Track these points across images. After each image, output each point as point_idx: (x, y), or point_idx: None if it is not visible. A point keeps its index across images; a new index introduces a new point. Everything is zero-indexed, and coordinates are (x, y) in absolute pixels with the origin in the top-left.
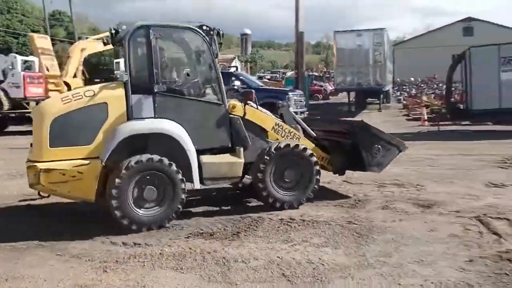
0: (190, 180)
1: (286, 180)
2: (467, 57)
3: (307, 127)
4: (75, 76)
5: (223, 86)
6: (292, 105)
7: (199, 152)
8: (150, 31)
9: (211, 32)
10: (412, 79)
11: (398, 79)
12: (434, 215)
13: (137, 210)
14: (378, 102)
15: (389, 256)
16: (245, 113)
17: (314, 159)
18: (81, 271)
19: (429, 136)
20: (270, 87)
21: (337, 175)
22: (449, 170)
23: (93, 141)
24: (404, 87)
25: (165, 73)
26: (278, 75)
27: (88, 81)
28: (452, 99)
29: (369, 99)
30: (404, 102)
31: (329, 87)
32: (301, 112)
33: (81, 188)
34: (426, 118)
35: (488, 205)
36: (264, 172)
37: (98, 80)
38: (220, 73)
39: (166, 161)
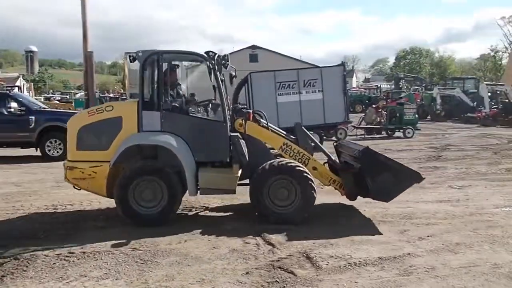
0: (187, 188)
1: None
2: (249, 81)
3: (324, 149)
4: None
5: (225, 105)
6: None
7: (200, 164)
8: (161, 57)
9: (216, 58)
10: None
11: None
12: (218, 232)
13: (139, 207)
14: None
15: (172, 279)
16: (245, 131)
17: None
18: None
19: None
20: (56, 109)
21: None
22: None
23: (109, 147)
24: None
25: (173, 93)
26: (69, 96)
27: None
28: None
29: None
30: None
31: None
32: None
33: (95, 185)
34: None
35: None
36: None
37: None
38: (224, 94)
39: (165, 168)
